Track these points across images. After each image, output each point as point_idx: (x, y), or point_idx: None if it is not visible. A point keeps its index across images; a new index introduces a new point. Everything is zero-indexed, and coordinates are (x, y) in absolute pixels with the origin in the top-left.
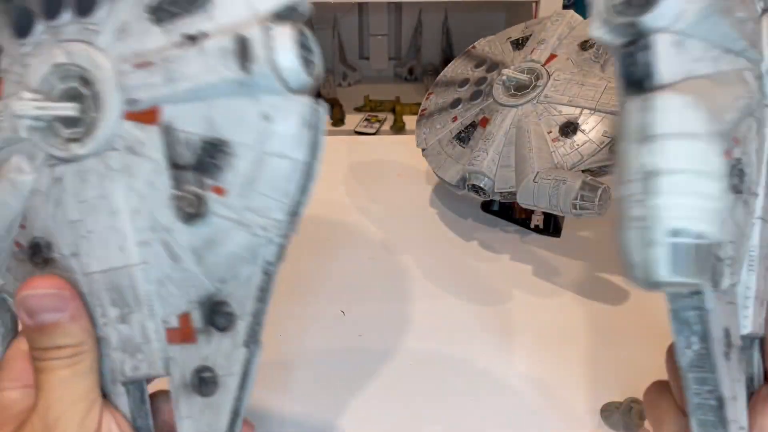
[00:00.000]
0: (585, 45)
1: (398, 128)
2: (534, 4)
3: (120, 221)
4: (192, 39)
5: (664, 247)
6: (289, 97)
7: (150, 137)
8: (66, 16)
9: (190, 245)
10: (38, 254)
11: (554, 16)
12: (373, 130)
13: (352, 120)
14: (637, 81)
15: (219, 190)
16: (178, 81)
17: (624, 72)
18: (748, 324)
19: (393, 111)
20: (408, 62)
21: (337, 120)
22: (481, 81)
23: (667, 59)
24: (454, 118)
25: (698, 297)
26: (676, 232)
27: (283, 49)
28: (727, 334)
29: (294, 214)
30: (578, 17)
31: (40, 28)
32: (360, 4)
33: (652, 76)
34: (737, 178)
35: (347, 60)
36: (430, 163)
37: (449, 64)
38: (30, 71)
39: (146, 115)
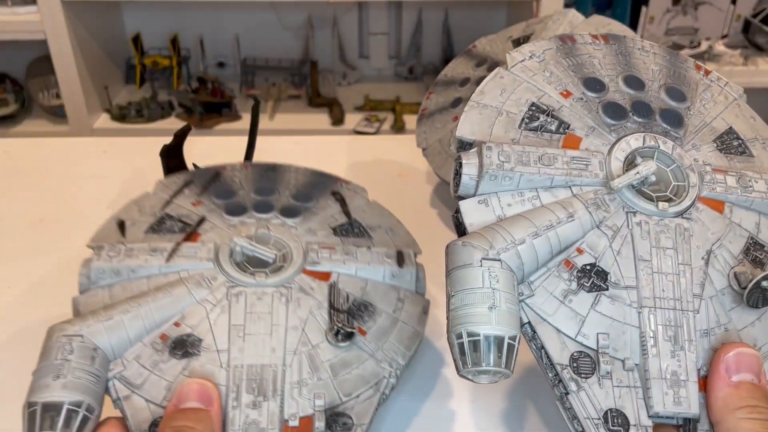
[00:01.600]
0: None
1: (398, 128)
2: (535, 3)
3: (278, 331)
4: (361, 246)
5: (455, 347)
6: (416, 293)
7: (320, 287)
8: (271, 215)
9: (330, 362)
10: (181, 347)
11: (555, 15)
12: (373, 130)
13: (352, 119)
14: (461, 232)
15: (361, 331)
16: (353, 263)
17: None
18: (654, 404)
19: (393, 110)
20: (408, 61)
21: (337, 120)
22: (482, 80)
23: (472, 215)
24: (455, 118)
25: (561, 385)
26: (459, 335)
27: (422, 271)
28: (617, 415)
29: (408, 364)
30: (580, 16)
31: (251, 214)
32: (360, 3)
33: (465, 228)
34: (595, 279)
35: (347, 59)
36: (430, 163)
37: (450, 63)
38: (235, 234)
39: (321, 275)
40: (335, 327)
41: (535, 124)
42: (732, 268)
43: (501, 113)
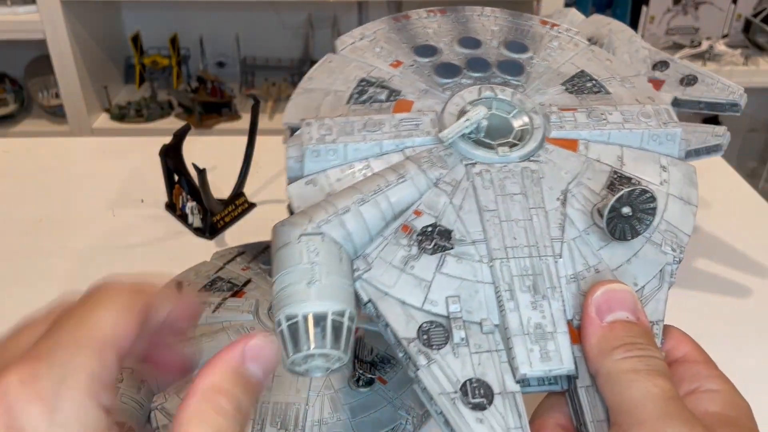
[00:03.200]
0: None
1: None
2: (535, 3)
3: (303, 378)
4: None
5: (279, 338)
6: None
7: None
8: None
9: (350, 405)
10: None
11: (555, 15)
12: None
13: None
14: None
15: (382, 380)
16: None
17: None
18: (518, 364)
19: None
20: None
21: None
22: None
23: (300, 197)
24: None
25: (411, 363)
26: (278, 322)
27: None
28: (478, 386)
29: (427, 413)
30: (580, 15)
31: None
32: (360, 3)
33: (294, 210)
34: (438, 239)
35: None
36: None
37: None
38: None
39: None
40: (356, 373)
41: (364, 97)
42: (594, 204)
43: (328, 93)
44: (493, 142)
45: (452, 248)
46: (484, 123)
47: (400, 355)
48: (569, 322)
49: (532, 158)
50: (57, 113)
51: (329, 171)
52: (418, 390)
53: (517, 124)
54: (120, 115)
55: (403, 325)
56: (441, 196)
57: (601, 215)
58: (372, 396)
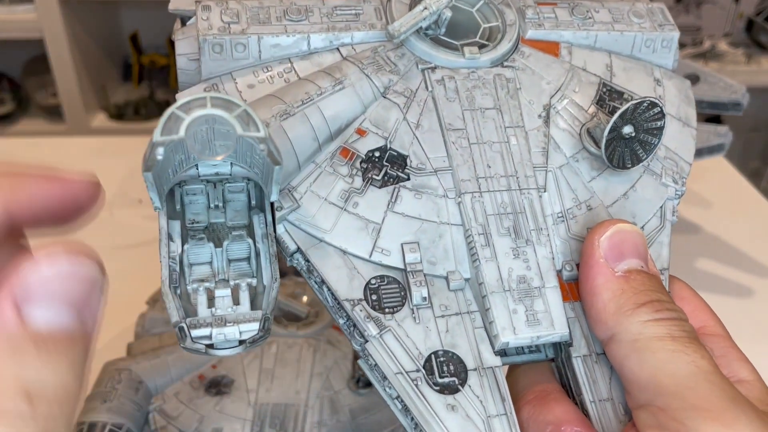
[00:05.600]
0: None
1: None
2: None
3: (304, 376)
4: None
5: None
6: None
7: (346, 339)
8: None
9: (350, 406)
10: (215, 386)
11: None
12: None
13: None
14: None
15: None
16: None
17: None
18: (498, 330)
19: None
20: None
21: None
22: None
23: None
24: None
25: (356, 332)
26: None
27: None
28: (447, 360)
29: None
30: None
31: None
32: None
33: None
34: (388, 167)
35: None
36: None
37: None
38: None
39: None
40: (356, 374)
41: None
42: (584, 124)
43: None
44: (456, 42)
45: (408, 179)
46: (447, 14)
47: (341, 322)
48: (558, 274)
49: (505, 63)
50: (55, 112)
51: (237, 74)
52: (366, 368)
53: (484, 19)
54: (118, 114)
55: (344, 283)
56: (391, 110)
57: (593, 137)
58: (372, 397)
